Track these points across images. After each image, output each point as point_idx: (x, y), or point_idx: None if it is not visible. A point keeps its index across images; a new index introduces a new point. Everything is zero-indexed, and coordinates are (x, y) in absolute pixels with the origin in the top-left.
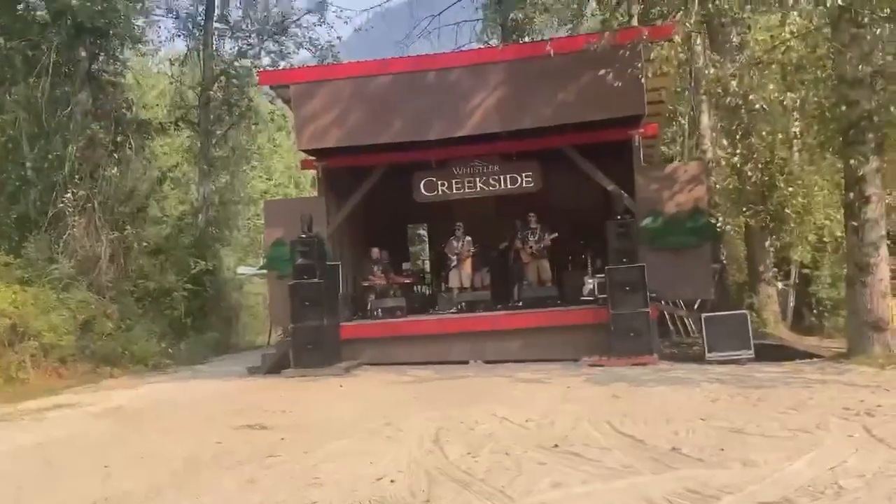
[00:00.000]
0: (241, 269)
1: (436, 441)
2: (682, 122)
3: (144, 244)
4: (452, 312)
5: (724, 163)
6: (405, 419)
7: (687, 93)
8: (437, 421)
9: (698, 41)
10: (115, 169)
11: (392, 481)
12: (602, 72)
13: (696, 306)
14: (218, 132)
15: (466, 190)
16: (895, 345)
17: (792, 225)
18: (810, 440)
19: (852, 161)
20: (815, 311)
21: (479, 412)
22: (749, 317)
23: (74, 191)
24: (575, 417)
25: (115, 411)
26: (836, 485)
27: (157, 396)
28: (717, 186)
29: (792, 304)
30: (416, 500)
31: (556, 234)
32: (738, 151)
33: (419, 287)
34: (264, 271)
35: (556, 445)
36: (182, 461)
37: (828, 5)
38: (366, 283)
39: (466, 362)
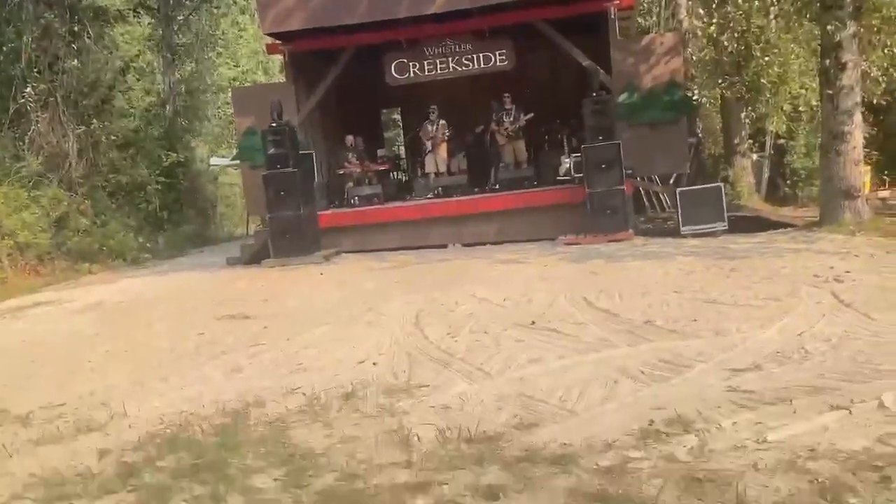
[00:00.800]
0: (214, 160)
1: (416, 323)
2: None
3: (112, 137)
4: (429, 198)
5: (700, 33)
6: (386, 303)
7: None
8: (417, 304)
9: None
10: (76, 60)
11: (374, 364)
12: None
13: (671, 181)
14: (180, 18)
15: (439, 71)
16: (866, 212)
17: (768, 95)
18: (781, 308)
19: (829, 26)
20: (789, 181)
21: (458, 294)
22: (723, 190)
23: (34, 85)
24: (552, 295)
25: (96, 307)
26: (803, 349)
27: (137, 290)
28: (694, 58)
29: (766, 175)
30: (398, 381)
31: (532, 115)
32: (714, 21)
33: (395, 173)
34: (237, 161)
35: (534, 322)
36: (166, 353)
37: None
38: (341, 172)
39: (445, 246)
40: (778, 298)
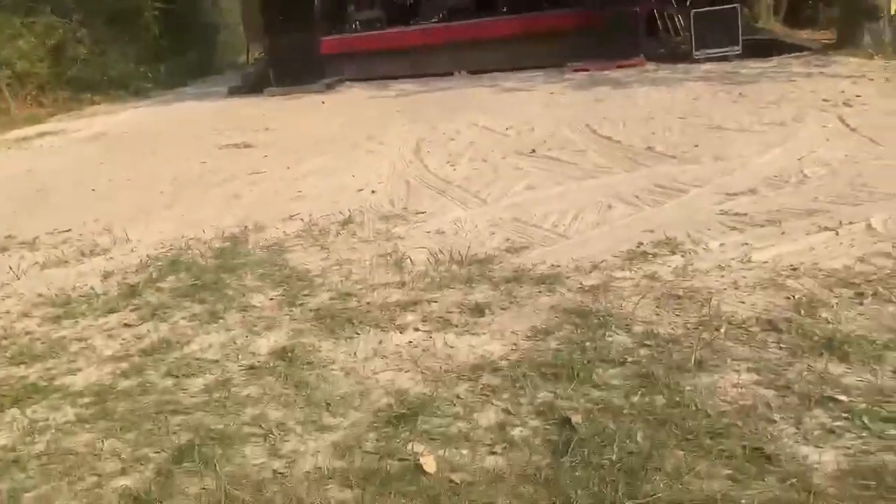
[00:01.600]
0: None
1: (416, 152)
2: None
3: None
4: (434, 22)
5: None
6: (386, 132)
7: None
8: (418, 132)
9: None
10: None
11: (373, 192)
12: None
13: (688, 2)
14: None
15: None
16: (887, 34)
17: None
18: (784, 132)
19: None
20: (810, 1)
21: (460, 122)
22: (740, 11)
23: None
24: (555, 123)
25: (101, 137)
26: (801, 173)
27: (140, 120)
28: None
29: None
30: (395, 208)
31: None
32: None
33: None
34: None
35: (534, 151)
36: (168, 182)
37: None
38: None
39: (451, 74)
40: (783, 123)
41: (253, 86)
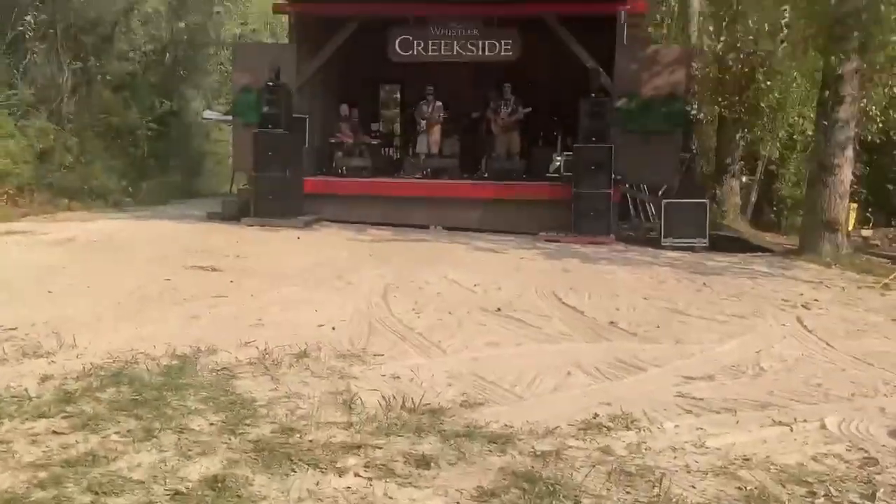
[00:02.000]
0: (208, 114)
1: (383, 296)
2: (672, 2)
3: (109, 78)
4: (417, 177)
5: (707, 50)
6: (356, 273)
7: None
8: (387, 277)
9: None
10: None
11: (333, 328)
12: None
13: (660, 192)
14: None
15: (443, 52)
16: (845, 246)
17: (765, 119)
18: (744, 325)
19: (833, 58)
20: (775, 207)
21: (430, 273)
22: (708, 206)
23: (35, 14)
24: (523, 286)
25: (69, 242)
26: (758, 366)
27: (113, 231)
28: (697, 74)
29: (754, 199)
30: (353, 347)
31: (530, 109)
32: (722, 39)
33: (387, 149)
34: (230, 117)
35: (499, 309)
36: (129, 293)
37: None
38: (333, 140)
39: (427, 227)
40: (743, 316)
41: (232, 214)
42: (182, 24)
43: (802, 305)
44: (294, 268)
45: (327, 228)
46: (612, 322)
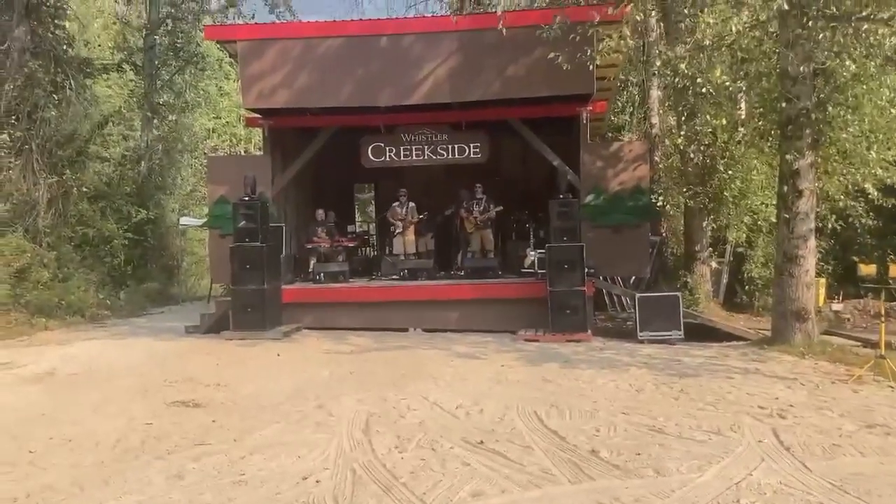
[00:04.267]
0: (184, 220)
1: (365, 431)
2: (633, 91)
3: (84, 189)
4: (395, 278)
5: (668, 142)
6: (337, 401)
7: (640, 64)
8: (368, 404)
9: (652, 16)
10: (55, 110)
11: (317, 482)
12: (552, 55)
13: (632, 281)
14: (164, 76)
15: (414, 157)
16: (816, 334)
17: (729, 207)
18: (723, 445)
19: (788, 156)
20: (746, 288)
21: (412, 395)
22: (681, 299)
23: (11, 132)
24: (504, 405)
25: (48, 376)
26: (737, 502)
27: (91, 357)
28: (661, 165)
29: (725, 281)
30: None
31: (501, 208)
32: (682, 133)
33: (364, 250)
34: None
35: (482, 442)
36: (111, 447)
37: (775, 6)
38: (309, 246)
39: (406, 330)
40: (721, 433)
41: (210, 327)
42: (155, 132)
43: (779, 414)
44: (275, 396)
45: (307, 338)
46: (593, 451)
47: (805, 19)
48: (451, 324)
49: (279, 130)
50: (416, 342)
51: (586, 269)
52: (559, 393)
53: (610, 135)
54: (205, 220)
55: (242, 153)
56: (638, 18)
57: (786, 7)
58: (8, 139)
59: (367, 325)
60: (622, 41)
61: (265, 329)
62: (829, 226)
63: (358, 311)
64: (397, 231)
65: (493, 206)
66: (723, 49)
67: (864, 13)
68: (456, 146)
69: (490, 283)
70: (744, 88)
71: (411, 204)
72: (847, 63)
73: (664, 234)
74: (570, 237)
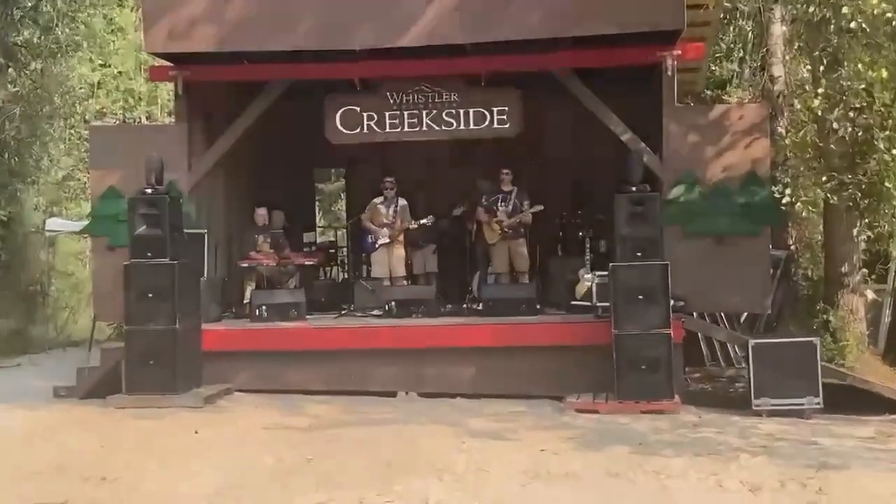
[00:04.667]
0: (53, 224)
1: None
2: (744, 27)
3: None
4: (377, 314)
5: (798, 104)
6: None
7: None
8: None
9: None
10: None
11: None
12: None
13: (743, 319)
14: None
15: (407, 129)
16: None
17: (894, 205)
18: None
19: None
20: None
21: (403, 496)
22: (819, 348)
23: None
24: None
25: None
26: None
27: None
28: (787, 140)
29: (888, 320)
30: None
31: (541, 207)
32: (820, 90)
33: (329, 270)
34: (87, 233)
35: None
36: None
37: None
38: (245, 264)
39: (394, 394)
40: None
41: (93, 389)
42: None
43: None
44: (192, 499)
45: (241, 405)
46: None
47: None
48: (462, 385)
49: (201, 87)
50: (408, 413)
51: (673, 302)
52: (631, 496)
53: (709, 94)
54: (85, 223)
55: (144, 122)
56: None
57: None
58: None
59: (334, 387)
60: None
61: (176, 392)
62: None
63: (320, 364)
64: (381, 242)
65: (527, 205)
66: None
67: None
68: (471, 111)
69: (523, 323)
70: None
71: (402, 201)
72: None
73: (793, 248)
74: (647, 252)
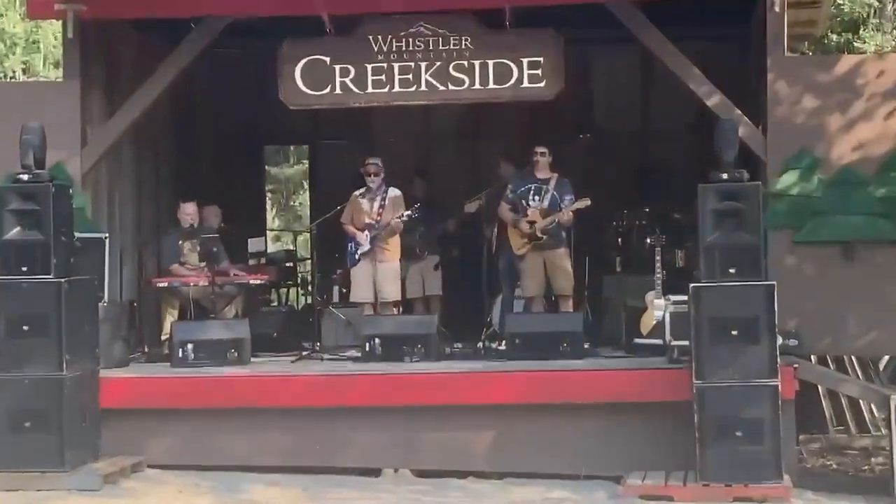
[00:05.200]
0: None
1: None
2: None
3: None
4: (353, 358)
5: None
6: None
7: None
8: None
9: None
10: None
11: None
12: None
13: (885, 366)
14: None
15: (398, 88)
16: None
17: None
18: None
19: None
20: None
21: None
22: None
23: None
24: None
25: None
26: None
27: None
28: None
29: None
30: None
31: (589, 202)
32: None
33: (284, 292)
34: None
35: None
36: None
37: None
38: (164, 284)
39: (377, 472)
40: None
41: None
42: None
43: None
44: None
45: (157, 487)
46: None
47: None
48: (476, 459)
49: (101, 28)
50: (399, 500)
51: (781, 341)
52: None
53: (835, 40)
54: None
55: (19, 77)
56: None
57: None
58: None
59: (292, 461)
60: None
61: (63, 467)
62: None
63: (270, 428)
64: (361, 251)
65: (569, 198)
66: None
67: None
68: (490, 63)
69: (565, 370)
70: None
71: (394, 191)
72: None
73: None
74: (744, 268)
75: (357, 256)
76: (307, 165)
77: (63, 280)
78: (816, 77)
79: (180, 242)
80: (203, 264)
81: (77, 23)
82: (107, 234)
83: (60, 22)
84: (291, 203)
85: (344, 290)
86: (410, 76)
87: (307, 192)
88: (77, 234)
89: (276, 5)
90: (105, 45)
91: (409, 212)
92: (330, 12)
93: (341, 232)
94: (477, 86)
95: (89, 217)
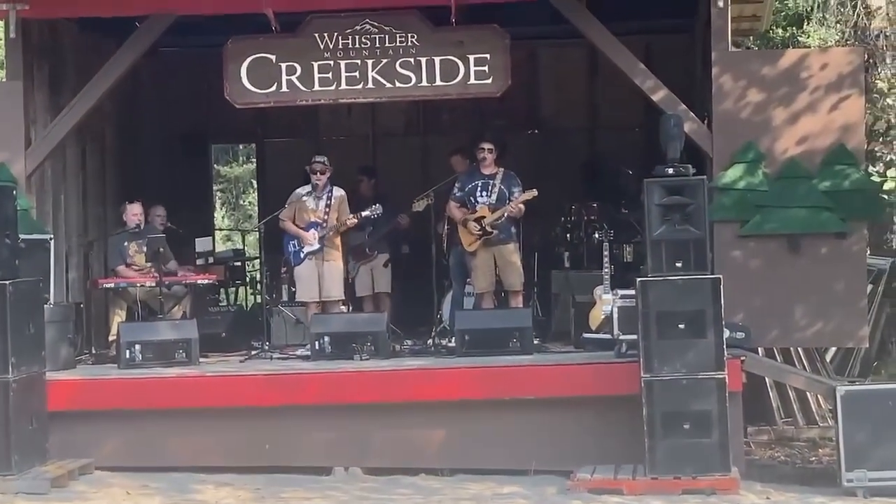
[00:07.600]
0: None
1: None
2: None
3: None
4: (302, 356)
5: None
6: None
7: None
8: None
9: None
10: None
11: None
12: None
13: (831, 357)
14: None
15: (344, 86)
16: None
17: None
18: None
19: None
20: None
21: None
22: None
23: None
24: None
25: None
26: None
27: None
28: (890, 100)
29: None
30: None
31: (535, 193)
32: None
33: (233, 291)
34: None
35: None
36: None
37: None
38: (111, 285)
39: (328, 471)
40: None
41: None
42: None
43: None
44: None
45: (106, 490)
46: None
47: None
48: (427, 456)
49: (44, 26)
50: (350, 499)
51: (728, 334)
52: None
53: (780, 34)
54: None
55: None
56: None
57: None
58: None
59: (242, 461)
60: None
61: (10, 469)
62: None
63: (220, 428)
64: (308, 251)
65: (517, 191)
66: None
67: None
68: (437, 61)
69: (515, 366)
70: None
71: (338, 191)
72: None
73: None
74: (690, 261)
75: (303, 255)
76: (254, 164)
77: (8, 282)
78: (761, 71)
79: (126, 243)
80: (150, 265)
81: (19, 22)
82: (52, 236)
83: (2, 21)
84: (241, 202)
85: (293, 289)
86: (357, 74)
87: (255, 192)
88: (22, 236)
89: (221, 4)
90: (48, 45)
91: (367, 212)
92: (275, 10)
93: (283, 228)
94: (424, 83)
95: (34, 218)
